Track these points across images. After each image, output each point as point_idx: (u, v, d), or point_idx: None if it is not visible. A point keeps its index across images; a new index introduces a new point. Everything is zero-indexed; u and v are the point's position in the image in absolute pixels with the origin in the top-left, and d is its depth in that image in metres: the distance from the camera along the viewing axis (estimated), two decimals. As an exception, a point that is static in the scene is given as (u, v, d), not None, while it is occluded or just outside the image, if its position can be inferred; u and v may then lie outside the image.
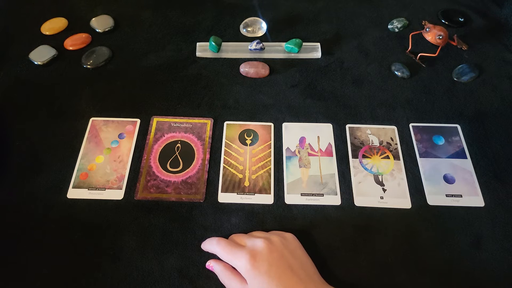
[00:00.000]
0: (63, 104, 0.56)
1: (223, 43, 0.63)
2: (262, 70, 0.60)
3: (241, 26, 0.66)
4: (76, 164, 0.50)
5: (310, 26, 0.68)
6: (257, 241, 0.39)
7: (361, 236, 0.45)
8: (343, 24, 0.68)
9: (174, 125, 0.54)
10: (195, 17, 0.69)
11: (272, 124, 0.55)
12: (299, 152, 0.52)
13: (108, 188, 0.48)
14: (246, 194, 0.48)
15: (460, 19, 0.68)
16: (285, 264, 0.38)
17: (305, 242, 0.43)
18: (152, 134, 0.53)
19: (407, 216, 0.47)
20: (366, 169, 0.51)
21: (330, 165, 0.51)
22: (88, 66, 0.61)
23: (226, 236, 0.44)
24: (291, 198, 0.48)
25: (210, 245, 0.42)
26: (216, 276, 0.41)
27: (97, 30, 0.66)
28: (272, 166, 0.51)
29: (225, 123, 0.55)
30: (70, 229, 0.45)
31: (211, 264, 0.42)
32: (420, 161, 0.51)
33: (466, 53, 0.63)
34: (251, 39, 0.64)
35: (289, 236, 0.42)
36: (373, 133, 0.54)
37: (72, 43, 0.63)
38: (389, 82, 0.60)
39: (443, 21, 0.68)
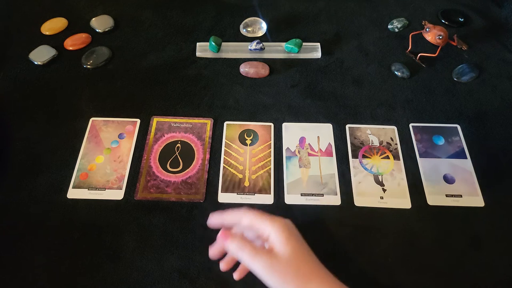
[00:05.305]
0: (63, 104, 0.56)
1: (223, 43, 0.63)
2: (262, 70, 0.60)
3: (241, 26, 0.66)
4: (76, 164, 0.50)
5: (310, 26, 0.68)
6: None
7: (361, 236, 0.45)
8: (343, 24, 0.68)
9: (174, 125, 0.54)
10: (195, 17, 0.69)
11: (272, 124, 0.55)
12: (299, 152, 0.52)
13: (108, 188, 0.48)
14: (246, 194, 0.48)
15: (460, 19, 0.68)
16: (305, 244, 0.38)
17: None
18: (152, 134, 0.53)
19: (407, 216, 0.47)
20: (366, 169, 0.51)
21: (330, 165, 0.51)
22: (88, 66, 0.61)
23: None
24: (291, 198, 0.48)
25: (237, 213, 0.38)
26: (217, 276, 0.41)
27: (97, 30, 0.66)
28: (272, 166, 0.51)
29: (225, 123, 0.55)
30: (70, 229, 0.45)
31: (226, 237, 0.36)
32: (420, 161, 0.51)
33: (466, 53, 0.63)
34: (251, 39, 0.64)
35: None
36: (373, 133, 0.54)
37: (72, 43, 0.63)
38: (389, 82, 0.60)
39: (443, 21, 0.68)
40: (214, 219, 0.40)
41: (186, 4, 0.71)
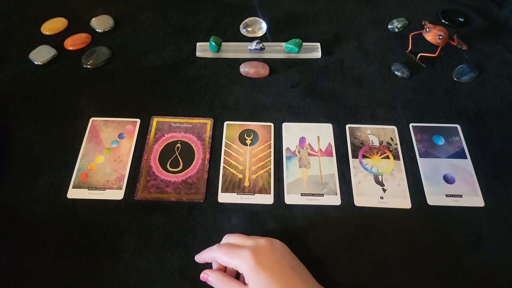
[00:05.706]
0: (63, 104, 0.56)
1: (223, 43, 0.63)
2: (262, 70, 0.60)
3: (241, 26, 0.66)
4: (76, 164, 0.50)
5: (310, 26, 0.68)
6: (259, 240, 0.39)
7: (361, 236, 0.45)
8: (343, 24, 0.68)
9: (174, 125, 0.54)
10: (195, 17, 0.69)
11: (272, 124, 0.55)
12: (299, 152, 0.52)
13: (108, 188, 0.48)
14: (246, 194, 0.48)
15: (460, 19, 0.68)
16: (287, 263, 0.38)
17: (305, 242, 0.43)
18: (152, 134, 0.53)
19: (407, 216, 0.47)
20: (366, 169, 0.51)
21: (330, 165, 0.51)
22: (88, 66, 0.61)
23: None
24: (291, 198, 0.48)
25: (210, 252, 0.41)
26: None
27: (97, 30, 0.66)
28: (272, 166, 0.51)
29: (225, 123, 0.55)
30: (70, 229, 0.45)
31: (206, 275, 0.40)
32: (420, 161, 0.51)
33: (466, 53, 0.63)
34: (251, 39, 0.64)
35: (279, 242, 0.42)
36: (373, 133, 0.54)
37: (72, 43, 0.63)
38: (389, 82, 0.60)
39: (443, 21, 0.68)
40: (198, 259, 0.42)
41: (186, 4, 0.71)
